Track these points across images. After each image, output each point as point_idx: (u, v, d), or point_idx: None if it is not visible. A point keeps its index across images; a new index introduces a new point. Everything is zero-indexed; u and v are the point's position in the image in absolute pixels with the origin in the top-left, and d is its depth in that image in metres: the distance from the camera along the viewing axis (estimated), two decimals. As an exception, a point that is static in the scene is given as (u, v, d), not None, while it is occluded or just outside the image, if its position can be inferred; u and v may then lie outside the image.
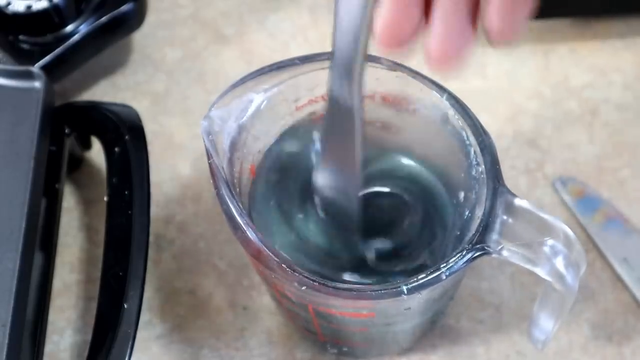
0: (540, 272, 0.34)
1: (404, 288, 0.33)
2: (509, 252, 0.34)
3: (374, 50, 0.32)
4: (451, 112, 0.37)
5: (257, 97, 0.37)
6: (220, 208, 0.35)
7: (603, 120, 0.52)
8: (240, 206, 0.34)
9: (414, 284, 0.33)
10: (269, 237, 0.39)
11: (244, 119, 0.37)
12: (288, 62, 0.37)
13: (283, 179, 0.40)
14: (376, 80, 0.38)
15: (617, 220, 0.48)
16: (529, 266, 0.34)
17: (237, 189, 0.36)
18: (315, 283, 0.34)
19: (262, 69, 0.37)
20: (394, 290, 0.33)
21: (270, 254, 0.34)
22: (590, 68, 0.54)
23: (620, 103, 0.53)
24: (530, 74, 0.54)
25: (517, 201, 0.34)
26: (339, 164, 0.36)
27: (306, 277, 0.34)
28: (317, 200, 0.39)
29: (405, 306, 0.36)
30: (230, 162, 0.36)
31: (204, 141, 0.35)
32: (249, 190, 0.39)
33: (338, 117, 0.34)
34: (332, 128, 0.36)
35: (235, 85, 0.37)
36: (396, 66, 0.37)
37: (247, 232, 0.34)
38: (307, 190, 0.39)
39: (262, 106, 0.37)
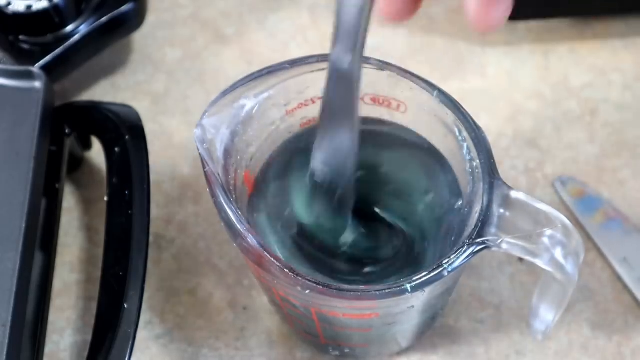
0: (540, 262, 0.34)
1: (408, 286, 0.33)
2: (508, 245, 0.34)
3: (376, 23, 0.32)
4: (442, 108, 0.37)
5: (248, 103, 0.37)
6: (219, 216, 0.35)
7: (603, 120, 0.52)
8: (239, 213, 0.34)
9: (417, 282, 0.33)
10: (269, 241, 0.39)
11: (236, 126, 0.37)
12: (277, 67, 0.37)
13: (284, 187, 0.40)
14: (365, 81, 0.38)
15: (617, 220, 0.48)
16: (528, 257, 0.34)
17: (234, 196, 0.36)
18: (319, 286, 0.33)
19: (252, 74, 0.37)
20: (398, 289, 0.33)
21: (272, 259, 0.34)
22: (590, 68, 0.54)
23: (620, 103, 0.53)
24: (530, 74, 0.54)
25: (514, 193, 0.34)
26: (337, 135, 0.36)
27: (310, 281, 0.34)
28: (312, 176, 0.39)
29: (409, 304, 0.36)
30: (225, 169, 0.36)
31: (198, 150, 0.35)
32: (249, 199, 0.39)
33: (339, 87, 0.34)
34: (332, 99, 0.35)
35: (225, 92, 0.37)
36: (385, 66, 0.37)
37: (248, 238, 0.34)
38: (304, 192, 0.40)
39: (253, 112, 0.37)
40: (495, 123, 0.52)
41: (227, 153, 0.37)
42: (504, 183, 0.35)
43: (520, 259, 0.47)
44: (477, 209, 0.35)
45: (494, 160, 0.35)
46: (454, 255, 0.34)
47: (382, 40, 0.55)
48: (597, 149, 0.51)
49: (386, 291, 0.33)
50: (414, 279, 0.33)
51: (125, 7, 0.50)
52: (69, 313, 0.47)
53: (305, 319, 0.39)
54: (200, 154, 0.35)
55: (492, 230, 0.34)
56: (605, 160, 0.51)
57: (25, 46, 0.49)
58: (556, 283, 0.36)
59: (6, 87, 0.45)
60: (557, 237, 0.34)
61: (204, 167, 0.35)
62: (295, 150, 0.41)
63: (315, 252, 0.39)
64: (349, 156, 0.37)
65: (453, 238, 0.38)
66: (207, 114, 0.36)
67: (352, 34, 0.32)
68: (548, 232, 0.34)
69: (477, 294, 0.47)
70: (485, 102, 0.53)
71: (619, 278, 0.47)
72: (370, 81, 0.38)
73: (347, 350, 0.44)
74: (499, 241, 0.34)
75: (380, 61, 0.38)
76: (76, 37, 0.50)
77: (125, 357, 0.40)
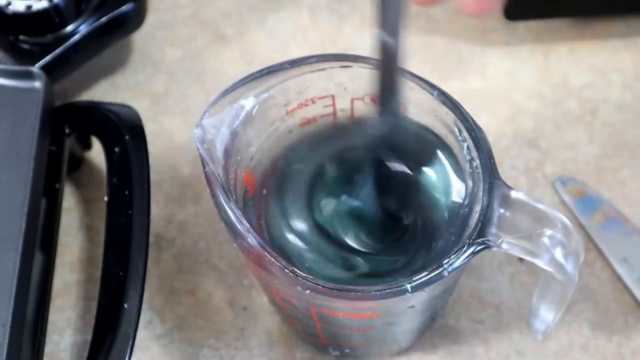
0: (540, 262, 0.34)
1: (408, 286, 0.33)
2: (508, 245, 0.34)
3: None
4: (442, 108, 0.37)
5: (248, 103, 0.37)
6: (219, 216, 0.35)
7: (603, 120, 0.52)
8: (239, 213, 0.34)
9: (417, 282, 0.33)
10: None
11: (236, 126, 0.37)
12: (277, 67, 0.37)
13: (291, 187, 0.41)
14: (365, 81, 0.38)
15: (617, 220, 0.48)
16: (529, 257, 0.34)
17: (234, 196, 0.36)
18: (319, 286, 0.33)
19: (252, 74, 0.37)
20: (398, 289, 0.33)
21: (272, 259, 0.34)
22: (590, 68, 0.54)
23: (619, 103, 0.53)
24: (530, 74, 0.54)
25: (514, 193, 0.34)
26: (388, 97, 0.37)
27: (310, 281, 0.34)
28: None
29: (409, 304, 0.36)
30: (225, 169, 0.36)
31: (199, 150, 0.35)
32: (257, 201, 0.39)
33: (386, 59, 0.35)
34: (382, 70, 0.36)
35: (226, 92, 0.37)
36: None
37: (248, 238, 0.34)
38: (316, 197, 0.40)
39: (253, 112, 0.37)
40: (495, 123, 0.52)
41: (227, 153, 0.37)
42: (504, 183, 0.35)
43: (520, 259, 0.47)
44: (477, 209, 0.35)
45: (494, 160, 0.35)
46: (454, 255, 0.34)
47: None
48: (597, 149, 0.51)
49: (386, 291, 0.33)
50: (414, 279, 0.33)
51: (125, 7, 0.50)
52: (69, 313, 0.47)
53: (305, 319, 0.39)
54: (200, 154, 0.35)
55: (492, 230, 0.34)
56: (605, 160, 0.51)
57: (25, 46, 0.49)
58: (556, 283, 0.36)
59: (6, 87, 0.45)
60: (557, 237, 0.34)
61: (204, 167, 0.35)
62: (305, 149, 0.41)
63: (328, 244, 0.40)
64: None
65: (453, 238, 0.38)
66: (206, 114, 0.36)
67: (391, 15, 0.33)
68: (548, 232, 0.34)
69: (477, 294, 0.47)
70: (485, 102, 0.53)
71: (619, 278, 0.47)
72: (370, 81, 0.38)
73: (347, 351, 0.44)
74: (499, 241, 0.34)
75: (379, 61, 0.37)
76: (76, 37, 0.49)
77: (125, 357, 0.40)
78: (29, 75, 0.45)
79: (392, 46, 0.34)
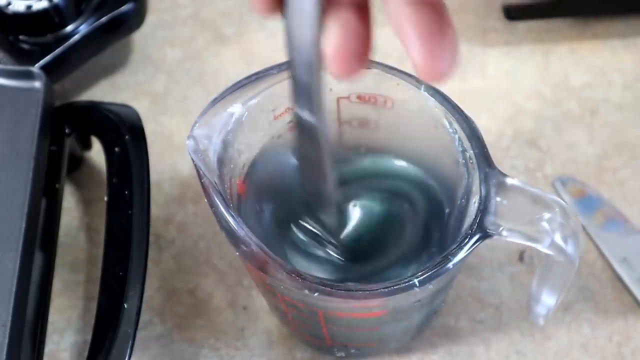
0: (541, 247, 0.34)
1: (416, 281, 0.33)
2: (508, 232, 0.34)
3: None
4: (431, 102, 0.37)
5: (237, 111, 0.37)
6: (219, 226, 0.35)
7: (603, 120, 0.52)
8: (240, 220, 0.34)
9: (424, 276, 0.33)
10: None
11: (227, 134, 0.37)
12: (265, 72, 0.37)
13: (271, 189, 0.40)
14: (352, 80, 0.38)
15: (617, 220, 0.48)
16: (529, 243, 0.34)
17: (231, 204, 0.36)
18: (326, 288, 0.33)
19: (240, 81, 0.37)
20: (406, 284, 0.33)
21: (278, 264, 0.34)
22: (590, 68, 0.54)
23: (619, 103, 0.53)
24: (530, 74, 0.54)
25: (509, 180, 0.34)
26: (313, 178, 0.36)
27: (317, 283, 0.33)
28: (304, 209, 0.39)
29: (416, 299, 0.36)
30: (221, 178, 0.36)
31: (193, 161, 0.35)
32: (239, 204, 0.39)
33: (306, 138, 0.34)
34: (302, 147, 0.35)
35: (215, 101, 0.37)
36: (371, 64, 0.37)
37: (252, 245, 0.34)
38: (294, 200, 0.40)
39: (242, 119, 0.37)
40: (495, 123, 0.52)
41: (221, 162, 0.36)
42: (499, 171, 0.35)
43: (520, 259, 0.47)
44: (474, 199, 0.35)
45: (487, 150, 0.35)
46: (457, 247, 0.34)
47: (382, 41, 0.55)
48: (597, 149, 0.51)
49: (394, 288, 0.33)
50: (420, 273, 0.33)
51: (125, 7, 0.50)
52: (69, 313, 0.47)
53: (311, 322, 0.39)
54: (195, 165, 0.35)
55: (492, 219, 0.34)
56: (605, 160, 0.51)
57: (25, 46, 0.49)
58: (557, 266, 0.36)
59: (6, 87, 0.45)
60: (556, 220, 0.34)
61: (200, 178, 0.35)
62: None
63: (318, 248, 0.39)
64: (327, 194, 0.37)
65: (453, 230, 0.38)
66: (197, 124, 0.36)
67: (307, 92, 0.32)
68: (546, 215, 0.34)
69: (477, 294, 0.47)
70: (485, 102, 0.53)
71: (619, 278, 0.47)
72: (357, 79, 0.38)
73: (352, 351, 0.44)
74: (500, 229, 0.34)
75: None
76: (76, 37, 0.50)
77: (125, 357, 0.40)
78: (29, 75, 0.45)
79: (312, 125, 0.33)
